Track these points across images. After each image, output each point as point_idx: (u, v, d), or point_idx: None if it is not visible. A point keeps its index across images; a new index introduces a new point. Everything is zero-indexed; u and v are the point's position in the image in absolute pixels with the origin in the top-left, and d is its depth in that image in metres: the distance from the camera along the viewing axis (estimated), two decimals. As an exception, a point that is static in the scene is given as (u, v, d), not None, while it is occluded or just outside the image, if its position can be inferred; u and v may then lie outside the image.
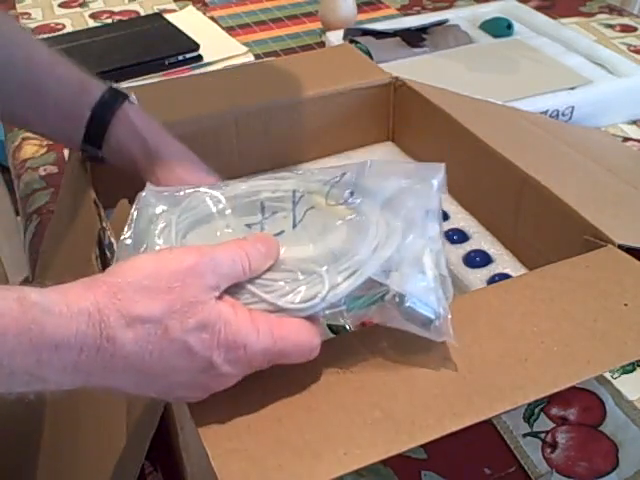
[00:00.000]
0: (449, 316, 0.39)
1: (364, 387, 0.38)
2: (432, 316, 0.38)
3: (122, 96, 0.59)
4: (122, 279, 0.34)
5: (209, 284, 0.35)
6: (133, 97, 0.60)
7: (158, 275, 0.34)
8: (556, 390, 0.38)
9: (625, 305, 0.44)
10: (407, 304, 0.38)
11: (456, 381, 0.38)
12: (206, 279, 0.35)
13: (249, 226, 0.42)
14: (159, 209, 0.42)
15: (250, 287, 0.38)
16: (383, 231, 0.40)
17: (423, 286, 0.39)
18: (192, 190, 0.43)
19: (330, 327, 0.57)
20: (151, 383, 0.35)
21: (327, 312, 0.38)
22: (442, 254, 0.41)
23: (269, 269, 0.38)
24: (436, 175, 0.43)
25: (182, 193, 0.43)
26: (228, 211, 0.42)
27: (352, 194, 0.42)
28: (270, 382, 0.39)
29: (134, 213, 0.42)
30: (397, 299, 0.38)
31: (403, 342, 0.41)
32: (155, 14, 1.25)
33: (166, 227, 0.41)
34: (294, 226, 0.42)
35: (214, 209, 0.42)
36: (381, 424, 0.36)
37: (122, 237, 0.41)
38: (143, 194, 0.43)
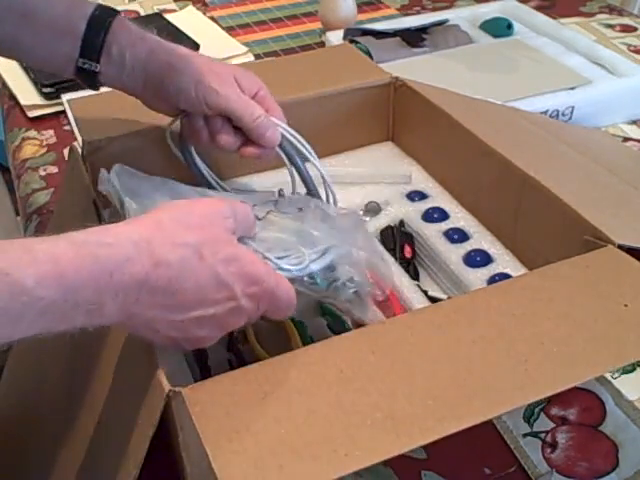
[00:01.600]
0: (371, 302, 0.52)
1: (364, 387, 0.38)
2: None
3: (113, 10, 0.57)
4: (162, 216, 0.39)
5: (230, 227, 0.41)
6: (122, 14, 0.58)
7: (190, 214, 0.40)
8: (556, 392, 0.38)
9: (625, 306, 0.44)
10: (350, 291, 0.50)
11: (456, 382, 0.38)
12: (228, 223, 0.41)
13: None
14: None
15: (252, 243, 0.44)
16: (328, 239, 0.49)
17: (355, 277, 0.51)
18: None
19: (330, 327, 0.57)
20: (182, 313, 0.39)
21: (305, 279, 0.47)
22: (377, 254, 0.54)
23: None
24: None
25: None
26: None
27: (300, 210, 0.51)
28: (270, 382, 0.39)
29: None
30: (347, 284, 0.50)
31: (402, 342, 0.41)
32: (155, 14, 1.25)
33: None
34: (258, 219, 0.49)
35: None
36: (381, 425, 0.36)
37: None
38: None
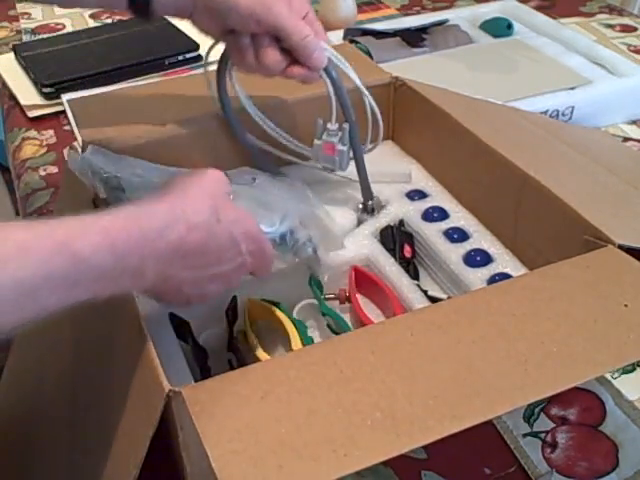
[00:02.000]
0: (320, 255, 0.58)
1: (364, 387, 0.38)
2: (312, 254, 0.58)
3: None
4: (185, 187, 0.44)
5: (229, 192, 0.47)
6: None
7: (204, 184, 0.45)
8: (556, 392, 0.38)
9: (625, 306, 0.44)
10: (309, 249, 0.57)
11: (456, 382, 0.38)
12: (227, 189, 0.46)
13: None
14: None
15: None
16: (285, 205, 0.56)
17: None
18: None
19: (330, 327, 0.57)
20: (205, 272, 0.44)
21: (277, 240, 0.53)
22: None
23: None
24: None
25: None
26: None
27: (254, 180, 0.59)
28: (270, 382, 0.39)
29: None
30: (306, 243, 0.56)
31: (402, 342, 0.41)
32: (155, 14, 1.25)
33: None
34: None
35: None
36: (381, 425, 0.36)
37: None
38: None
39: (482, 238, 0.64)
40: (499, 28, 1.07)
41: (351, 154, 0.65)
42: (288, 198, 0.57)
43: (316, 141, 0.65)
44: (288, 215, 0.55)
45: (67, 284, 0.36)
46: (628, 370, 0.58)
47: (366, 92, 0.63)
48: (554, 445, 0.53)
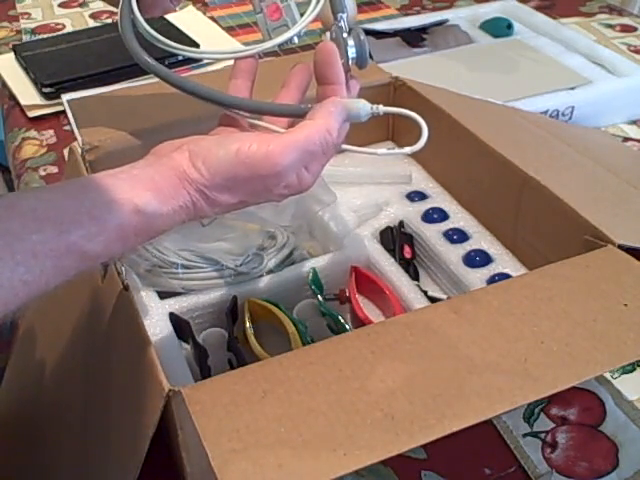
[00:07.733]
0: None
1: (363, 387, 0.38)
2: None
3: None
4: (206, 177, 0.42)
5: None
6: None
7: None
8: (556, 391, 0.38)
9: (625, 305, 0.44)
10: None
11: (456, 382, 0.38)
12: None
13: None
14: None
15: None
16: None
17: None
18: None
19: (330, 327, 0.57)
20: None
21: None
22: None
23: None
24: None
25: None
26: None
27: None
28: (270, 382, 0.39)
29: None
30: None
31: (402, 342, 0.41)
32: (155, 14, 1.25)
33: None
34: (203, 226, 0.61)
35: None
36: (381, 424, 0.36)
37: None
38: None
39: (482, 239, 0.64)
40: (499, 28, 1.07)
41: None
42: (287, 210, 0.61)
43: (257, 15, 0.54)
44: (288, 243, 0.60)
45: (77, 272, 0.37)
46: (628, 370, 0.58)
47: None
48: (554, 445, 0.53)
